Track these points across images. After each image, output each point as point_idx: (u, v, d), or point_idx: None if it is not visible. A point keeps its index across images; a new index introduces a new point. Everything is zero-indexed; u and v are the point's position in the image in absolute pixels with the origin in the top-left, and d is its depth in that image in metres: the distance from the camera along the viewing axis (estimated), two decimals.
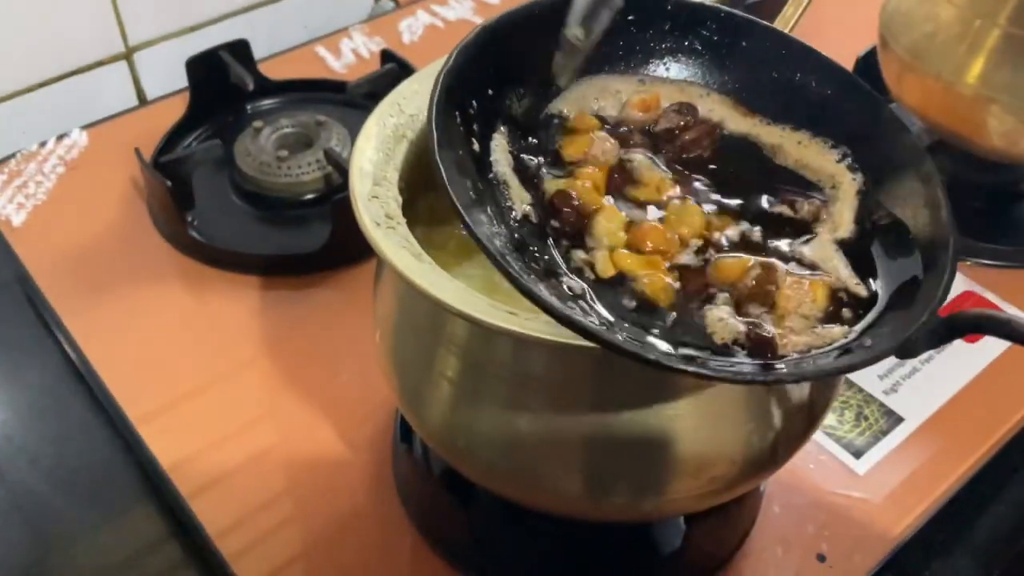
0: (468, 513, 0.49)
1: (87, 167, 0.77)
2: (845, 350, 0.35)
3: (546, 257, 0.37)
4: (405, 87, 0.46)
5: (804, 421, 0.42)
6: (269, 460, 0.57)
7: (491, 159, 0.40)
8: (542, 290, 0.34)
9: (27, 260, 0.69)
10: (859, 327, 0.37)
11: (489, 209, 0.37)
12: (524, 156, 0.41)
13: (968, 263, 0.68)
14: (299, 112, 0.76)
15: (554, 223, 0.39)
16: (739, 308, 0.37)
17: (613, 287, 0.37)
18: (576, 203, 0.39)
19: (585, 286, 0.37)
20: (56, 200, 0.74)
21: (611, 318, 0.36)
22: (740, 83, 0.45)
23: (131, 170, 0.75)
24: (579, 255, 0.38)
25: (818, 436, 0.57)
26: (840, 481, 0.55)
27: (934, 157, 0.73)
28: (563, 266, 0.38)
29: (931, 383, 0.60)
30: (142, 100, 0.86)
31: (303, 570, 0.52)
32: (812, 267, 0.39)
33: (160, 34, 0.85)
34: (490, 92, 0.41)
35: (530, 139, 0.42)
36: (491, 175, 0.39)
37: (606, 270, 0.38)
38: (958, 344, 0.62)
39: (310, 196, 0.72)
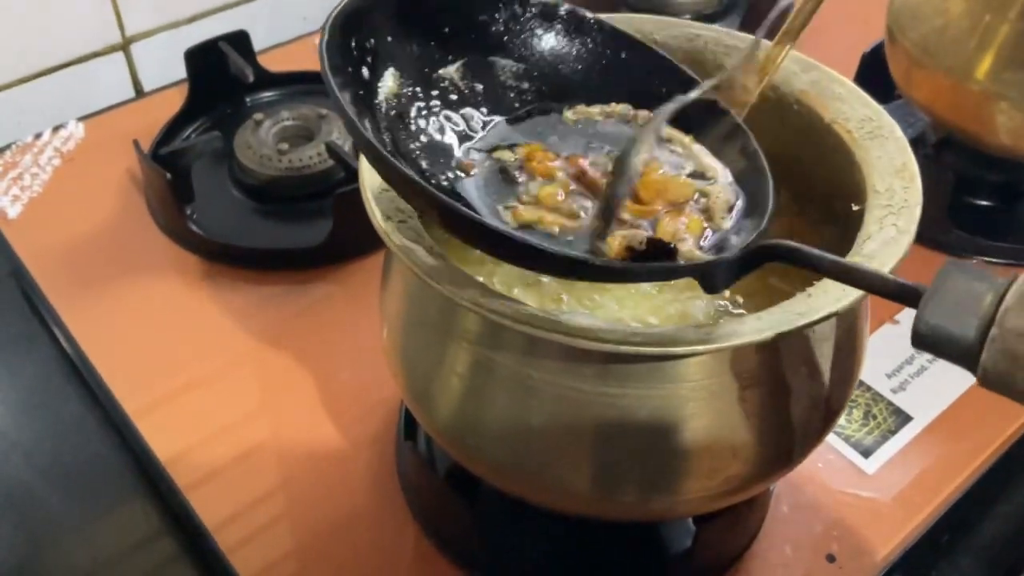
0: (473, 511, 0.48)
1: (84, 159, 0.76)
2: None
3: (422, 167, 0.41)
4: None
5: (820, 420, 0.42)
6: (268, 455, 0.56)
7: (378, 86, 0.41)
8: (417, 177, 0.36)
9: (22, 253, 0.68)
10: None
11: (367, 122, 0.39)
12: (406, 101, 0.43)
13: (975, 261, 0.68)
14: (300, 105, 0.75)
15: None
16: None
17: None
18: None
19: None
20: (52, 192, 0.73)
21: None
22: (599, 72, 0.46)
23: (128, 162, 0.74)
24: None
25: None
26: (849, 480, 0.55)
27: (941, 154, 0.73)
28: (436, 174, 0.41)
29: (939, 381, 0.60)
30: (139, 91, 0.85)
31: (302, 565, 0.51)
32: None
33: (158, 25, 0.84)
34: (389, 38, 0.42)
35: (416, 90, 0.43)
36: (376, 102, 0.41)
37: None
38: None
39: (311, 190, 0.71)
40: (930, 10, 0.65)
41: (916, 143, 0.75)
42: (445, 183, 0.41)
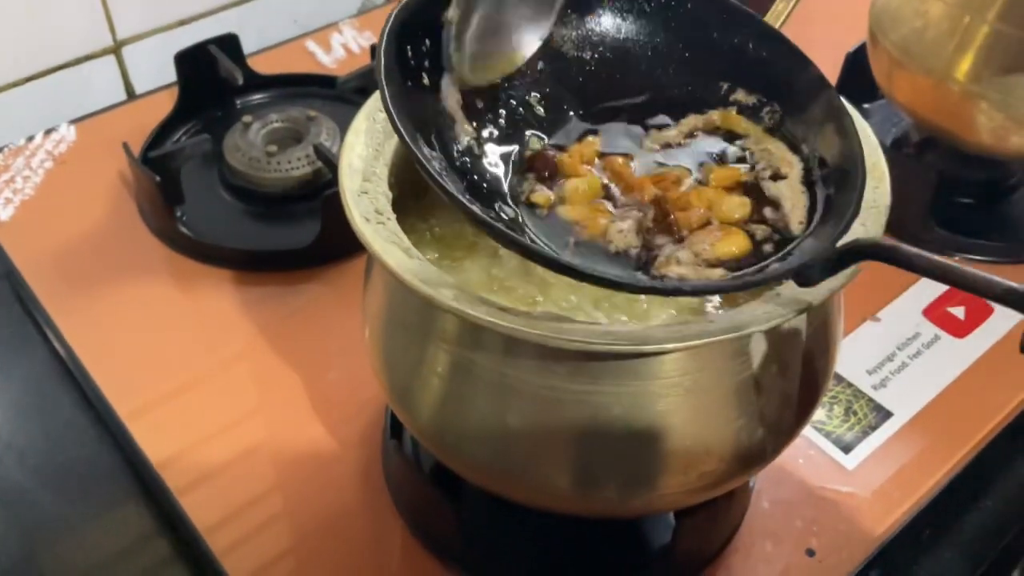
0: (458, 509, 0.49)
1: (75, 162, 0.76)
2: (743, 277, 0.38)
3: (484, 185, 0.41)
4: None
5: (793, 416, 0.42)
6: (259, 456, 0.57)
7: (440, 94, 0.41)
8: (475, 204, 0.37)
9: (14, 255, 0.68)
10: (774, 258, 0.38)
11: (432, 137, 0.39)
12: (472, 96, 0.42)
13: (956, 259, 0.69)
14: (289, 107, 0.76)
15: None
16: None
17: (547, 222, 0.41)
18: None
19: (518, 212, 0.40)
20: (44, 195, 0.73)
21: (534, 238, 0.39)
22: (684, 43, 0.46)
23: (119, 165, 0.74)
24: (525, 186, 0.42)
25: (807, 431, 0.57)
26: (829, 476, 0.55)
27: (923, 153, 0.74)
28: (501, 192, 0.41)
29: (920, 378, 0.60)
30: (131, 94, 0.86)
31: (293, 566, 0.52)
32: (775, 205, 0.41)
33: (149, 28, 0.84)
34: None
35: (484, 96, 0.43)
36: (439, 107, 0.41)
37: (543, 201, 0.41)
38: (947, 339, 0.62)
39: (299, 191, 0.72)
40: (910, 12, 0.65)
41: (898, 143, 0.76)
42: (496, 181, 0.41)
